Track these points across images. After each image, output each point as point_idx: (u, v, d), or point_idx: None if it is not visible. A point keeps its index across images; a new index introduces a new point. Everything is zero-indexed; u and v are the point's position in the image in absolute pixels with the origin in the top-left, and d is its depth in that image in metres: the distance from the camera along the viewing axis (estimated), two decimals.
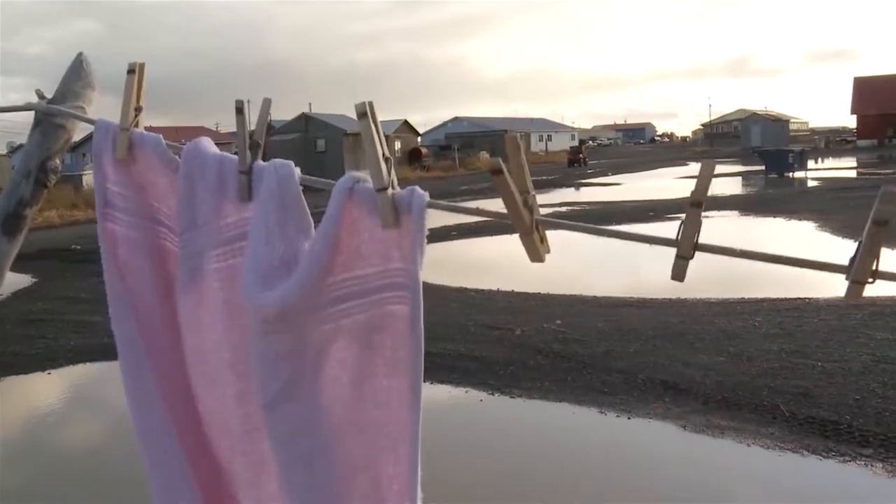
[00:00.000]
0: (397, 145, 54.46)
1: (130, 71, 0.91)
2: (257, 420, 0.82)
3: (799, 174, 30.83)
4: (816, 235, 14.17)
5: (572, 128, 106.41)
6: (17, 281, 13.30)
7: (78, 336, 8.69)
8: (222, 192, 0.84)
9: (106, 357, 7.87)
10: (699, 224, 0.73)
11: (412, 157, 55.36)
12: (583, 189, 30.00)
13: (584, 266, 11.45)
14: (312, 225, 0.79)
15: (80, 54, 1.04)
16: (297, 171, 0.80)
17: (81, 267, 13.08)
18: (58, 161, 1.02)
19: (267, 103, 0.80)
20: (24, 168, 1.00)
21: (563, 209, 20.95)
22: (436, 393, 6.06)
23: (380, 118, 0.77)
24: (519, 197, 0.67)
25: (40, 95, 0.99)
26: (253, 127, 0.80)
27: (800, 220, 16.24)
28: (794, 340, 6.96)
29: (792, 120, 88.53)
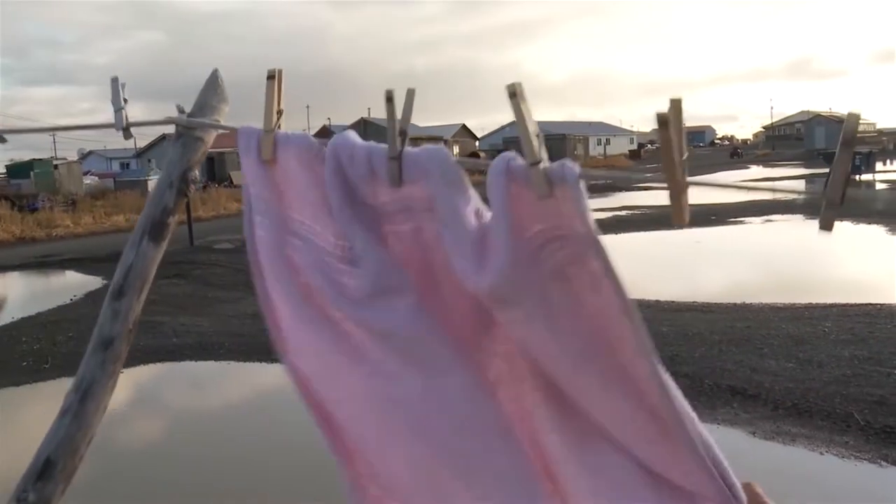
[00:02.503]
0: (455, 149, 54.67)
1: (270, 77, 0.96)
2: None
3: (866, 177, 29.90)
4: (888, 239, 13.75)
5: (631, 131, 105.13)
6: (90, 282, 13.78)
7: (147, 336, 8.95)
8: (374, 180, 0.88)
9: (173, 358, 8.12)
10: (849, 167, 0.74)
11: (470, 156, 55.50)
12: (642, 193, 29.64)
13: (644, 270, 11.32)
14: (477, 196, 0.84)
15: (215, 70, 1.10)
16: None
17: None
18: (196, 172, 1.09)
19: (411, 93, 0.85)
20: (167, 178, 1.06)
21: (624, 213, 20.73)
22: None
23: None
24: (678, 155, 0.71)
25: (180, 110, 1.06)
26: (400, 116, 0.84)
27: (868, 223, 15.77)
28: (866, 346, 6.77)
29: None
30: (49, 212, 27.77)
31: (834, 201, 0.75)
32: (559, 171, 0.76)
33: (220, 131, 1.07)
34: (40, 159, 42.46)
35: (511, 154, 0.80)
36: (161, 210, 1.06)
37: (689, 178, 0.77)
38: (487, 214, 0.82)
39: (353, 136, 0.92)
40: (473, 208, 0.83)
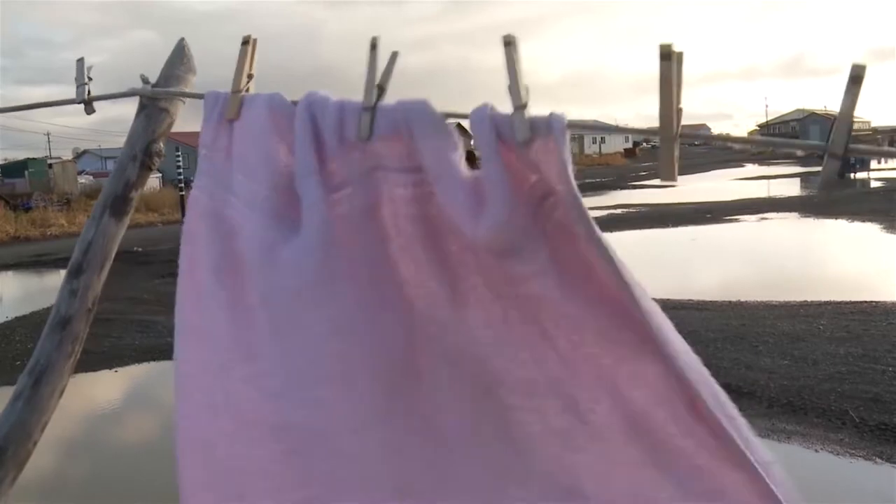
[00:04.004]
0: None
1: (245, 42, 0.95)
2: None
3: (861, 175, 29.95)
4: (882, 237, 13.74)
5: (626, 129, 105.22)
6: None
7: (142, 335, 8.91)
8: (343, 131, 0.84)
9: (168, 357, 8.07)
10: (853, 110, 0.69)
11: (467, 159, 55.68)
12: (638, 191, 29.63)
13: (639, 268, 11.24)
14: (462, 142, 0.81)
15: (181, 40, 1.06)
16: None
17: (144, 269, 13.41)
18: (161, 144, 1.05)
19: (394, 55, 0.82)
20: (129, 151, 1.02)
21: (619, 211, 20.71)
22: None
23: None
24: (676, 98, 0.67)
25: (144, 80, 1.02)
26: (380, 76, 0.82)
27: (863, 221, 15.76)
28: (861, 344, 6.75)
29: (853, 119, 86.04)
30: (43, 211, 27.69)
31: (837, 151, 0.70)
32: (544, 119, 0.74)
33: (188, 100, 1.04)
34: (35, 158, 42.40)
35: (489, 103, 0.79)
36: (123, 184, 1.02)
37: (683, 177, 0.73)
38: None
39: (327, 92, 0.88)
40: (457, 151, 0.80)
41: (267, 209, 0.87)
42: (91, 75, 1.06)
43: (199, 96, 0.98)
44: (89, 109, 1.04)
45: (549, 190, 0.76)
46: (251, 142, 0.92)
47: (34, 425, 0.95)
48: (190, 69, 1.05)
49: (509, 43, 0.75)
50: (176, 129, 1.15)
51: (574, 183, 0.73)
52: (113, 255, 1.03)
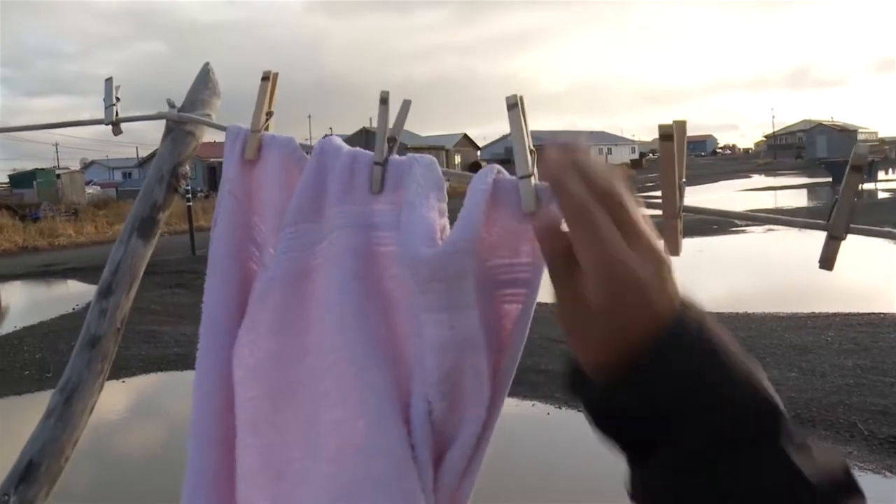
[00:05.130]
0: (457, 159, 54.83)
1: (265, 78, 0.95)
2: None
3: (869, 186, 29.87)
4: (891, 248, 13.70)
5: (632, 140, 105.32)
6: (92, 292, 13.68)
7: (148, 346, 8.94)
8: (351, 184, 0.84)
9: (174, 367, 8.10)
10: (856, 194, 0.67)
11: (472, 170, 55.36)
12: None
13: None
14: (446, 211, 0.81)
15: (206, 64, 1.09)
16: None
17: (150, 279, 13.46)
18: (187, 167, 1.07)
19: (407, 104, 0.82)
20: (156, 174, 1.05)
21: None
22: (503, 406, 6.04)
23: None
24: (677, 177, 0.67)
25: (171, 104, 1.04)
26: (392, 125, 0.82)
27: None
28: (869, 356, 6.73)
29: (860, 130, 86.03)
30: (51, 221, 27.83)
31: (837, 234, 0.67)
32: (547, 191, 0.71)
33: (214, 129, 1.06)
34: (43, 169, 42.65)
35: (497, 166, 0.77)
36: (150, 206, 1.04)
37: (686, 204, 0.70)
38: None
39: (339, 140, 0.90)
40: (443, 213, 0.79)
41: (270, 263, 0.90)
42: (125, 102, 1.08)
43: (222, 128, 1.00)
44: (117, 130, 1.06)
45: (511, 264, 0.77)
46: (266, 188, 0.94)
47: (66, 441, 0.98)
48: (215, 93, 1.07)
49: (514, 105, 0.71)
50: None
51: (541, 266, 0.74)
52: (141, 275, 1.05)
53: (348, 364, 0.81)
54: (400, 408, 0.77)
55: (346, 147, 0.87)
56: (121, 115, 1.08)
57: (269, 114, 0.95)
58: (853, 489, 0.51)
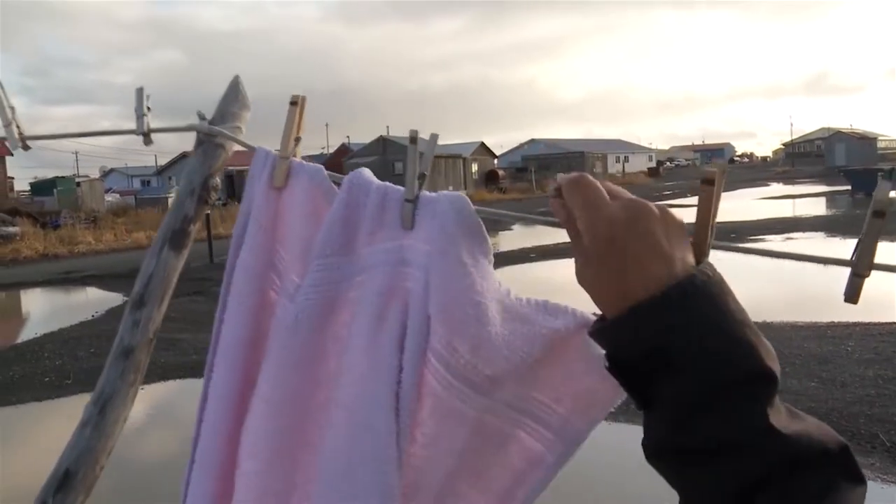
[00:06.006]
0: (474, 167, 54.84)
1: (293, 102, 0.95)
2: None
3: (893, 194, 29.52)
4: None
5: (649, 149, 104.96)
6: (111, 299, 13.90)
7: (167, 353, 8.99)
8: (382, 220, 0.85)
9: (194, 374, 8.14)
10: (878, 237, 0.70)
11: (489, 178, 55.89)
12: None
13: None
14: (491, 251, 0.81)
15: (236, 77, 1.10)
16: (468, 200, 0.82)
17: None
18: (217, 179, 1.08)
19: (434, 138, 0.83)
20: (187, 186, 1.06)
21: None
22: None
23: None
24: (712, 218, 0.69)
25: (201, 117, 1.05)
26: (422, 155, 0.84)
27: (891, 241, 15.54)
28: (891, 366, 6.66)
29: (880, 137, 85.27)
30: (71, 228, 28.10)
31: (861, 272, 0.71)
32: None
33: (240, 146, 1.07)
34: (63, 177, 43.10)
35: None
36: (182, 218, 1.06)
37: (716, 242, 0.74)
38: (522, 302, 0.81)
39: (369, 173, 0.90)
40: (485, 255, 0.81)
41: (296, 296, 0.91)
42: (150, 108, 1.08)
43: (252, 147, 1.01)
44: (148, 141, 1.07)
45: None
46: (292, 216, 0.95)
47: (101, 451, 0.99)
48: (244, 106, 1.09)
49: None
50: None
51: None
52: (172, 286, 1.07)
53: (359, 404, 0.84)
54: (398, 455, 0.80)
55: (376, 181, 0.88)
56: (154, 128, 1.09)
57: (298, 139, 0.96)
58: (850, 471, 0.56)
